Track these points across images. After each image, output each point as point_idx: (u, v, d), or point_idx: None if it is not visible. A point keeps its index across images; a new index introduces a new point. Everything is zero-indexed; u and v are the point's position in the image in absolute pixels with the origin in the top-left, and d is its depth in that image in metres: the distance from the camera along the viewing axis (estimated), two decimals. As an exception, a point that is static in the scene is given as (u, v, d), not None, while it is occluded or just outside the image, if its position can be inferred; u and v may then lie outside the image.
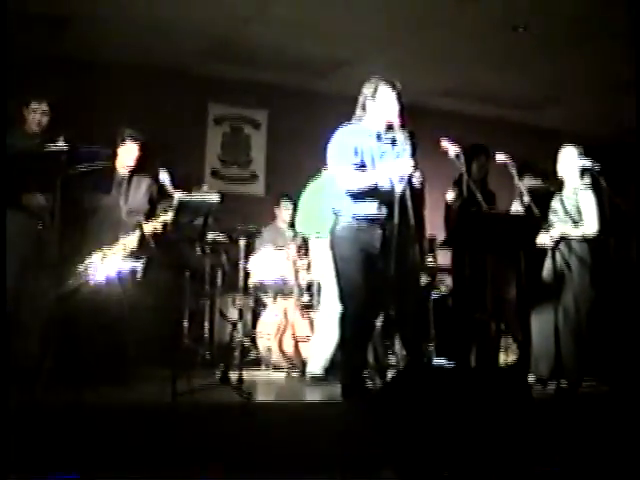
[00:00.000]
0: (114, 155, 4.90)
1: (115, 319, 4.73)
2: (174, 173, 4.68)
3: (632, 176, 7.11)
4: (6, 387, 3.80)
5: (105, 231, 4.85)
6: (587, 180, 5.27)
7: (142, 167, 5.16)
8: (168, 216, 4.70)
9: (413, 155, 4.21)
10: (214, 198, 4.59)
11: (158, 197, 5.08)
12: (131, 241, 4.70)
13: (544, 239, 5.19)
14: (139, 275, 4.69)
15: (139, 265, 4.69)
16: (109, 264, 4.58)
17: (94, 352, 4.52)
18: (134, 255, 4.69)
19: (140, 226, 4.77)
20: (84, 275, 4.48)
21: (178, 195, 4.47)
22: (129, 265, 4.66)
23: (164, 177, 4.66)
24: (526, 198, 5.14)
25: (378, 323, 4.69)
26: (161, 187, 4.82)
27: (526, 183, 5.68)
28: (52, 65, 6.42)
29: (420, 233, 5.51)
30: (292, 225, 6.90)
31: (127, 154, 5.02)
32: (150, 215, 4.96)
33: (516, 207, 5.47)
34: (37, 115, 4.95)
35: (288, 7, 5.76)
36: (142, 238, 4.71)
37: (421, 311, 5.08)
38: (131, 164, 5.05)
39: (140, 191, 5.10)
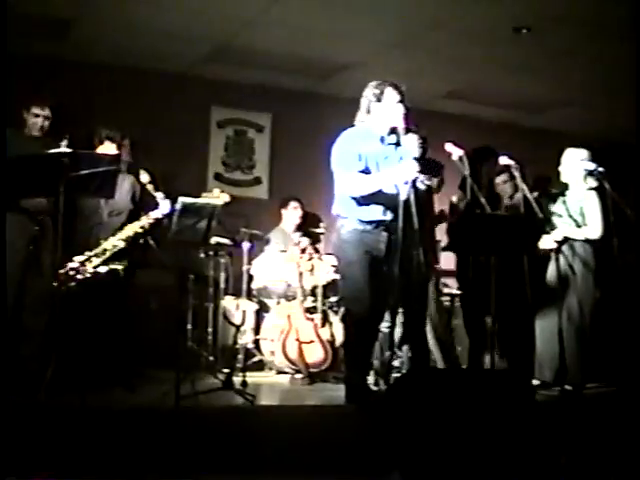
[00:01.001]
0: (118, 159, 4.86)
1: (102, 323, 4.73)
2: (177, 176, 4.69)
3: (633, 178, 7.10)
4: (8, 389, 3.80)
5: (87, 233, 4.83)
6: (591, 183, 5.26)
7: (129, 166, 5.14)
8: (150, 219, 4.67)
9: (421, 159, 4.21)
10: (218, 201, 4.59)
11: (141, 197, 5.05)
12: (114, 243, 4.66)
13: (548, 242, 5.19)
14: (121, 277, 4.68)
15: (121, 267, 4.68)
16: (92, 267, 4.57)
17: (91, 356, 4.52)
18: (117, 257, 4.66)
19: (122, 228, 4.75)
20: (69, 278, 4.47)
21: (181, 198, 4.47)
22: (112, 267, 4.64)
23: (145, 178, 4.64)
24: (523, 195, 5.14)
25: (384, 327, 4.68)
26: (144, 188, 4.81)
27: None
28: (53, 68, 6.41)
29: (431, 237, 5.50)
30: (299, 228, 6.89)
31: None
32: (134, 214, 4.92)
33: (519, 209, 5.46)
34: (37, 119, 4.90)
35: (291, 10, 5.75)
36: (127, 240, 4.70)
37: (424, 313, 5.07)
38: None
39: (122, 191, 5.02)
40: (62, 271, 4.39)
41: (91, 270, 4.55)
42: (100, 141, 4.99)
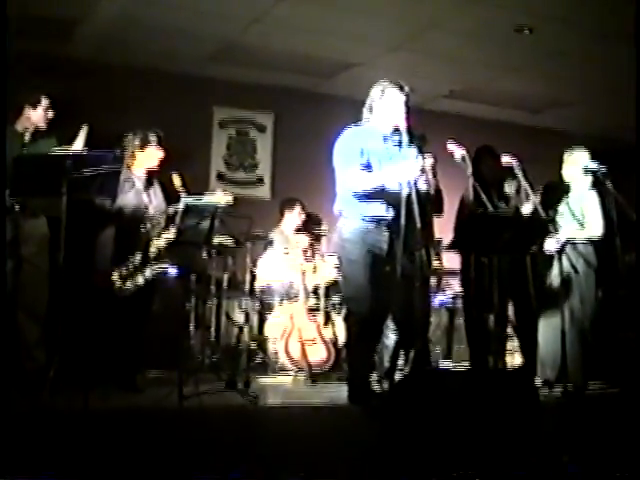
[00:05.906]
0: (122, 158, 4.82)
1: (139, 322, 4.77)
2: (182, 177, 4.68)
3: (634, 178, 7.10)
4: (11, 390, 3.81)
5: (132, 235, 4.81)
6: (592, 182, 5.26)
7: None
8: (170, 234, 4.62)
9: (418, 158, 4.20)
10: (221, 200, 4.58)
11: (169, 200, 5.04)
12: (159, 244, 4.65)
13: (551, 242, 5.18)
14: (170, 279, 4.71)
15: (168, 269, 4.70)
16: (141, 268, 4.58)
17: (105, 355, 4.53)
18: (163, 259, 4.67)
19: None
20: (123, 279, 4.51)
21: (184, 198, 4.47)
22: (160, 269, 4.65)
23: (177, 181, 4.63)
24: (534, 199, 5.12)
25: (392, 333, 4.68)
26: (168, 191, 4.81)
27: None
28: (57, 67, 6.41)
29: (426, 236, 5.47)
30: (299, 230, 6.88)
31: (150, 157, 4.90)
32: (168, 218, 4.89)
33: (526, 209, 5.44)
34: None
35: (293, 9, 5.76)
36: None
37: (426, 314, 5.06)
38: (154, 167, 4.94)
39: (158, 194, 5.01)
40: (117, 272, 4.45)
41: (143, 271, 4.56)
42: (148, 142, 4.91)
